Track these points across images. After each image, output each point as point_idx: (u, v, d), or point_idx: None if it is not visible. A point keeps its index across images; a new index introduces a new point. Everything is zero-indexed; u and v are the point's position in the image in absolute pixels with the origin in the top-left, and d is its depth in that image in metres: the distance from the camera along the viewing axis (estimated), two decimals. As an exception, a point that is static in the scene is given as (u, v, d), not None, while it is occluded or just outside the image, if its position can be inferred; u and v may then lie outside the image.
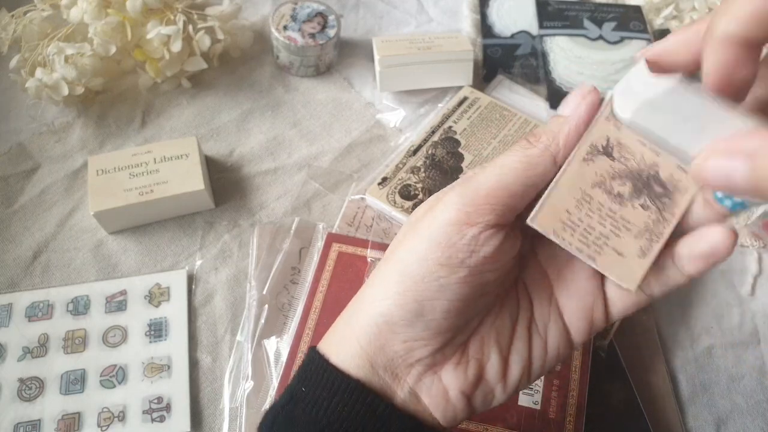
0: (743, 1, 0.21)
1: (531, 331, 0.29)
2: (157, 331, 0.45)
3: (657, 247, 0.26)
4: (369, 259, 0.46)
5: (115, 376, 0.43)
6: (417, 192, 0.50)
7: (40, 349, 0.44)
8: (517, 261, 0.29)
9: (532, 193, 0.26)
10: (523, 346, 0.29)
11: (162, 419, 0.42)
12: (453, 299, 0.26)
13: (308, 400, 0.27)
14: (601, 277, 0.29)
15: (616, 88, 0.26)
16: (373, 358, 0.27)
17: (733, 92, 0.23)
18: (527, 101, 0.58)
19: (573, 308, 0.29)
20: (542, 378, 0.41)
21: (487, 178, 0.26)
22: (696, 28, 0.24)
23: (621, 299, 0.29)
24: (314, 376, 0.28)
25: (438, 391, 0.28)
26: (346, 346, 0.28)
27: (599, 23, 0.63)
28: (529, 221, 0.26)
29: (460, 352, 0.28)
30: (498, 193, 0.26)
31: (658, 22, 0.65)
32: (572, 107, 0.27)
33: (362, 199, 0.51)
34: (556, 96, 0.58)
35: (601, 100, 0.27)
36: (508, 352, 0.29)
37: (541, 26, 0.63)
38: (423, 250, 0.26)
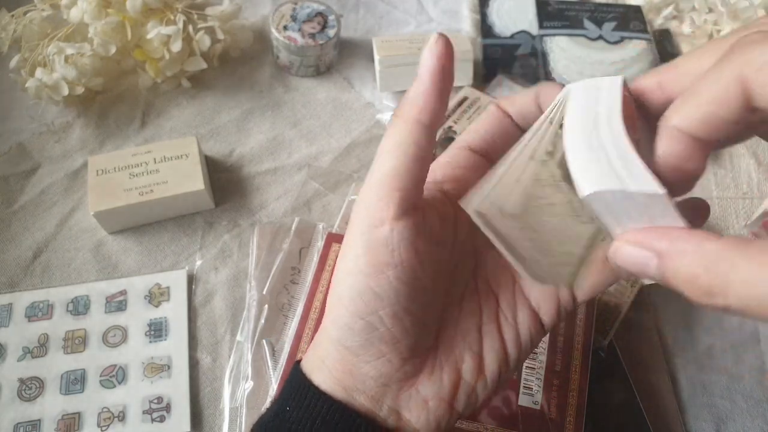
0: (698, 102, 0.21)
1: (500, 322, 0.29)
2: (157, 331, 0.45)
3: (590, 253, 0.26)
4: (369, 259, 0.46)
5: (115, 376, 0.43)
6: (417, 192, 0.50)
7: (40, 349, 0.44)
8: (465, 250, 0.29)
9: (422, 167, 0.26)
10: (494, 340, 0.29)
11: (162, 419, 0.42)
12: (395, 303, 0.25)
13: (292, 420, 0.27)
14: None
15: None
16: (345, 383, 0.27)
17: (680, 181, 0.23)
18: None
19: (538, 293, 0.29)
20: (542, 378, 0.41)
21: (371, 175, 0.26)
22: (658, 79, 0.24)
23: (586, 279, 0.28)
24: (297, 395, 0.27)
25: (417, 403, 0.27)
26: (323, 371, 0.28)
27: (599, 23, 0.63)
28: (459, 202, 0.24)
29: (431, 360, 0.28)
30: (386, 181, 0.25)
31: (658, 22, 0.65)
32: (422, 64, 0.25)
33: (362, 199, 0.51)
34: (556, 96, 0.58)
35: (450, 48, 0.25)
36: (480, 349, 0.28)
37: (541, 26, 0.63)
38: (350, 266, 0.26)
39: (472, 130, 0.30)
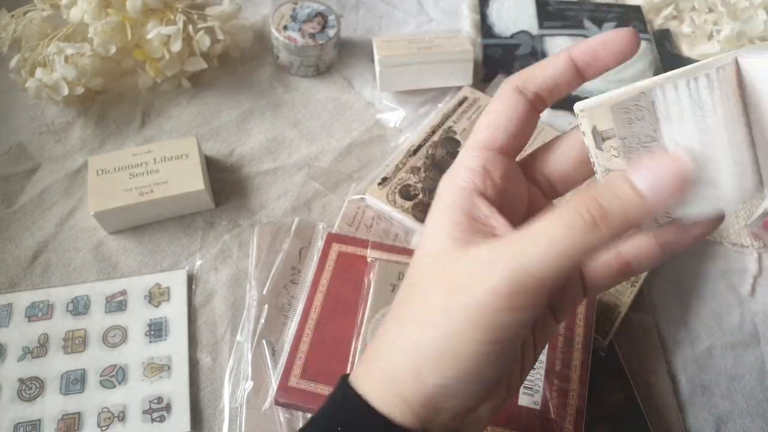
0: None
1: (535, 331, 0.29)
2: (157, 331, 0.45)
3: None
4: (369, 259, 0.46)
5: (115, 376, 0.43)
6: (417, 192, 0.50)
7: (40, 349, 0.44)
8: None
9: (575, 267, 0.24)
10: (529, 348, 0.29)
11: (162, 419, 0.42)
12: (502, 365, 0.25)
13: None
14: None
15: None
16: (421, 416, 0.25)
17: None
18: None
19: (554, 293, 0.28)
20: (542, 378, 0.41)
21: (539, 259, 0.22)
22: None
23: (598, 276, 0.29)
24: (352, 417, 0.26)
25: (475, 420, 0.27)
26: (392, 401, 0.25)
27: (599, 23, 0.63)
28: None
29: (497, 388, 0.27)
30: (551, 279, 0.22)
31: (658, 22, 0.66)
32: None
33: (362, 199, 0.51)
34: (556, 96, 0.58)
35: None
36: (523, 360, 0.28)
37: (541, 26, 0.63)
38: (464, 330, 0.24)
39: (495, 125, 0.27)
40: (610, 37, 0.25)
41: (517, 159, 0.29)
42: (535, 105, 0.27)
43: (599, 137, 0.24)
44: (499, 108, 0.27)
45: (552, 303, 0.29)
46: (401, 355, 0.26)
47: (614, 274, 0.28)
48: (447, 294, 0.24)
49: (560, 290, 0.29)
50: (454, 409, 0.26)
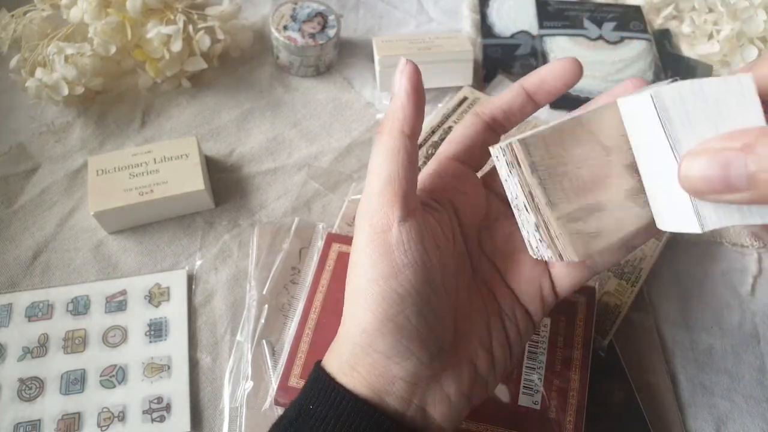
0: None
1: (503, 319, 0.31)
2: (157, 331, 0.45)
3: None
4: (369, 259, 0.46)
5: (115, 376, 0.43)
6: (417, 192, 0.50)
7: (40, 349, 0.44)
8: (462, 255, 0.31)
9: (414, 172, 0.28)
10: (499, 335, 0.31)
11: (162, 419, 0.42)
12: (417, 300, 0.27)
13: (316, 417, 0.28)
14: (545, 261, 0.32)
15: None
16: (376, 386, 0.28)
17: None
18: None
19: (525, 293, 0.32)
20: (542, 378, 0.41)
21: (370, 186, 0.28)
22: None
23: (566, 277, 0.31)
24: (321, 394, 0.28)
25: (442, 398, 0.29)
26: (353, 377, 0.28)
27: (599, 23, 0.63)
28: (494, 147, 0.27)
29: (452, 357, 0.29)
30: (385, 189, 0.27)
31: (658, 22, 0.65)
32: (396, 84, 0.28)
33: (362, 199, 0.51)
34: (556, 96, 0.58)
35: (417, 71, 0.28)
36: (490, 344, 0.30)
37: (541, 26, 0.63)
38: (368, 274, 0.27)
39: (453, 140, 0.33)
40: (555, 66, 0.30)
41: (480, 173, 0.34)
42: (491, 126, 0.32)
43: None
44: (458, 128, 0.33)
45: (523, 299, 0.32)
46: (342, 326, 0.30)
47: (579, 268, 0.31)
48: (351, 255, 0.29)
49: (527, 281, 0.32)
50: (405, 377, 0.28)
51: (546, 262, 0.32)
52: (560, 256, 0.26)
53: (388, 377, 0.28)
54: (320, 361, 0.31)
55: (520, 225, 0.28)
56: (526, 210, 0.27)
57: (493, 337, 0.31)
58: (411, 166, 0.28)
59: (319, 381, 0.29)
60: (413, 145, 0.28)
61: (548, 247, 0.27)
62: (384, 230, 0.27)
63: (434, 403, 0.29)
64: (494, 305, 0.31)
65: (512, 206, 0.28)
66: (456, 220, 0.31)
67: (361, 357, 0.28)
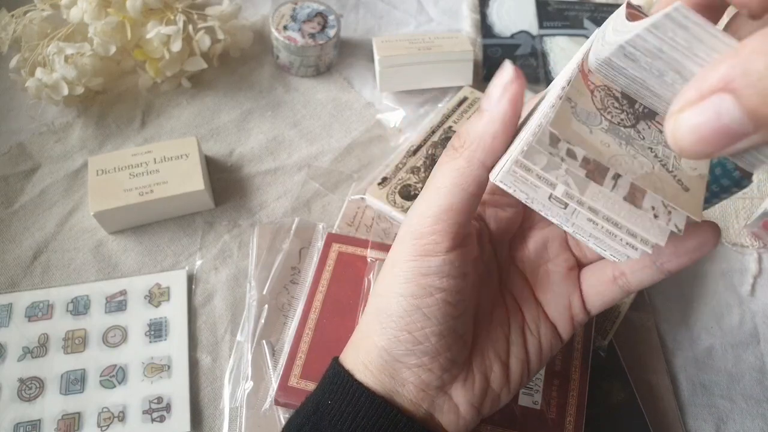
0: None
1: (525, 333, 0.30)
2: (157, 331, 0.45)
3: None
4: (369, 259, 0.46)
5: (115, 376, 0.43)
6: (417, 192, 0.50)
7: (40, 349, 0.44)
8: (491, 265, 0.30)
9: (475, 201, 0.26)
10: (519, 350, 0.30)
11: (162, 419, 0.42)
12: (441, 323, 0.27)
13: (334, 412, 0.28)
14: (577, 276, 0.30)
15: (594, 36, 0.24)
16: (386, 385, 0.28)
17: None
18: (527, 101, 0.58)
19: (553, 307, 0.31)
20: (542, 378, 0.41)
21: (428, 206, 0.26)
22: None
23: (597, 294, 0.30)
24: (340, 390, 0.29)
25: (450, 408, 0.29)
26: (365, 374, 0.29)
27: (599, 23, 0.63)
28: (493, 179, 0.24)
29: (465, 369, 0.29)
30: (444, 217, 0.26)
31: (658, 22, 0.65)
32: (494, 102, 0.24)
33: (362, 199, 0.51)
34: (556, 96, 0.58)
35: (523, 89, 0.24)
36: (507, 358, 0.30)
37: (541, 26, 0.63)
38: (399, 289, 0.27)
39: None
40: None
41: None
42: None
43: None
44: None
45: (551, 313, 0.31)
46: (361, 325, 0.30)
47: (611, 288, 0.29)
48: (387, 261, 0.28)
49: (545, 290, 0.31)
50: (415, 381, 0.28)
51: (578, 277, 0.30)
52: (677, 226, 0.22)
53: (399, 379, 0.28)
54: (337, 357, 0.31)
55: (586, 239, 0.24)
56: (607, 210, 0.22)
57: (512, 351, 0.30)
58: (477, 199, 0.26)
59: (338, 377, 0.29)
60: (487, 177, 0.25)
61: (651, 229, 0.22)
62: (428, 254, 0.26)
63: (443, 412, 0.29)
64: (518, 318, 0.30)
65: (565, 225, 0.24)
66: (488, 230, 0.31)
67: (375, 357, 0.28)
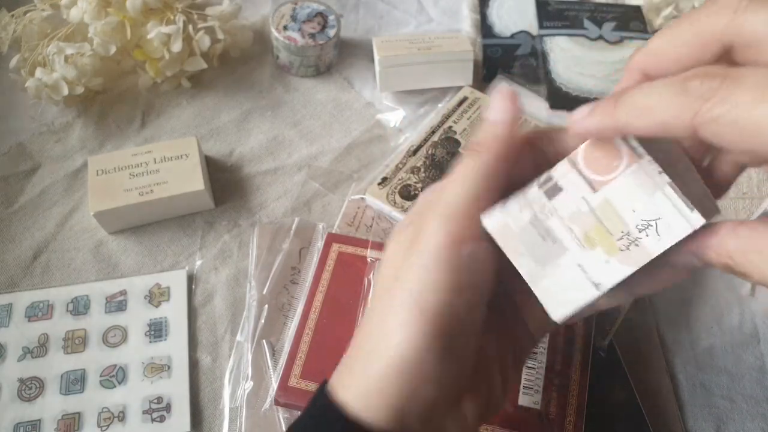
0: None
1: (519, 341, 0.30)
2: (157, 331, 0.45)
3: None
4: (369, 259, 0.46)
5: (115, 376, 0.43)
6: (417, 192, 0.50)
7: (40, 349, 0.44)
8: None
9: (495, 198, 0.26)
10: (512, 357, 0.30)
11: (162, 419, 0.42)
12: (475, 325, 0.26)
13: None
14: None
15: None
16: (405, 408, 0.25)
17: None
18: (527, 101, 0.58)
19: (531, 312, 0.30)
20: (542, 378, 0.41)
21: (458, 193, 0.26)
22: (681, 29, 0.23)
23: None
24: (328, 429, 0.26)
25: (460, 421, 0.27)
26: (369, 399, 0.25)
27: (599, 23, 0.63)
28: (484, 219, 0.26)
29: (473, 380, 0.28)
30: (474, 205, 0.25)
31: (658, 22, 0.65)
32: (497, 113, 0.26)
33: (362, 199, 0.51)
34: (555, 96, 0.58)
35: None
36: (506, 365, 0.29)
37: (541, 26, 0.63)
38: (433, 280, 0.24)
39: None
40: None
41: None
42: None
43: None
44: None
45: (524, 314, 0.30)
46: (373, 345, 0.27)
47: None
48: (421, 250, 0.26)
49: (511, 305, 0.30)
50: (420, 415, 0.25)
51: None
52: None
53: (420, 397, 0.26)
54: (326, 382, 0.28)
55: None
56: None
57: (508, 360, 0.30)
58: (496, 195, 0.26)
59: (328, 412, 0.26)
60: (504, 175, 0.26)
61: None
62: (460, 241, 0.25)
63: (454, 422, 0.27)
64: (512, 326, 0.30)
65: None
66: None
67: (394, 372, 0.25)
